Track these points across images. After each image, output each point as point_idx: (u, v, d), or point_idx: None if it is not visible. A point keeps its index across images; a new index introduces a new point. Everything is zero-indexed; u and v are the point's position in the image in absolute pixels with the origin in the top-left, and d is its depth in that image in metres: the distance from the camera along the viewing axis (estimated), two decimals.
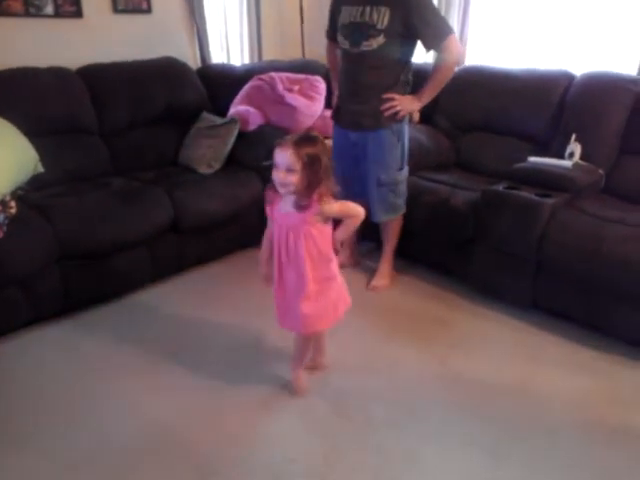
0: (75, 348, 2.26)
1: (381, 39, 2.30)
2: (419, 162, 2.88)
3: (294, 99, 3.26)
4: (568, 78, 2.89)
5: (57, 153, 2.74)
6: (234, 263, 3.00)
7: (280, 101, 3.26)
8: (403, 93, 2.47)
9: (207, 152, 3.05)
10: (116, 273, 2.52)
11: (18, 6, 2.84)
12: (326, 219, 1.79)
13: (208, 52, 3.65)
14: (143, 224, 2.55)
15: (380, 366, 2.18)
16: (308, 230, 1.76)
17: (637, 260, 2.08)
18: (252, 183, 2.98)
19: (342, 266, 2.87)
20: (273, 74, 3.38)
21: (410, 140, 2.62)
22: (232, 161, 3.08)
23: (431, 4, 2.34)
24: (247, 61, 3.92)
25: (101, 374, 2.12)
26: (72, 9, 3.04)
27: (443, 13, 3.34)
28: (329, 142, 3.06)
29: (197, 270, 2.90)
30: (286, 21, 4.08)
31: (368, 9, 2.31)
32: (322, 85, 3.45)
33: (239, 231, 2.98)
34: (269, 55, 3.96)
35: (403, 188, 2.65)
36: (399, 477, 1.67)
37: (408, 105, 2.47)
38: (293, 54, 4.01)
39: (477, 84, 3.15)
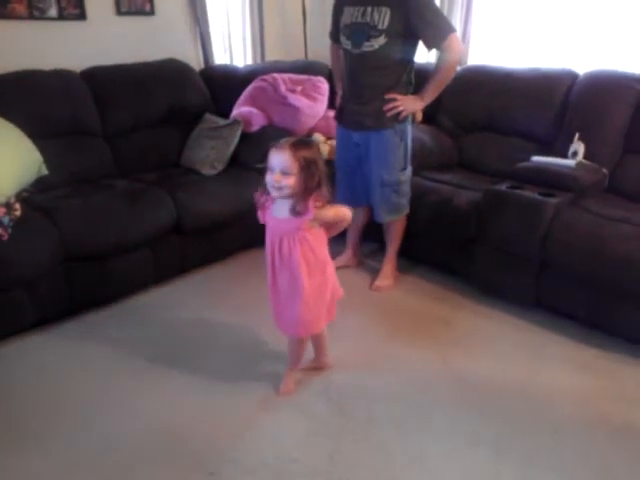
0: (78, 349, 2.27)
1: (382, 39, 2.30)
2: (422, 162, 2.88)
3: (297, 100, 3.26)
4: (571, 77, 2.88)
5: (61, 155, 2.75)
6: (237, 264, 3.00)
7: (283, 102, 3.26)
8: (405, 93, 2.47)
9: (210, 153, 3.05)
10: (119, 274, 2.53)
11: (22, 9, 2.86)
12: (321, 224, 1.79)
13: (211, 53, 3.66)
14: (146, 225, 2.56)
15: (383, 365, 2.19)
16: (303, 235, 1.75)
17: None
18: (255, 184, 2.97)
19: (346, 266, 2.90)
20: (276, 75, 3.38)
21: (413, 140, 2.62)
22: (235, 162, 3.08)
23: (431, 3, 2.33)
24: (250, 62, 3.92)
25: (102, 375, 2.13)
26: (76, 12, 3.05)
27: (446, 12, 3.34)
28: (332, 143, 3.07)
29: (200, 271, 2.90)
30: (288, 22, 4.08)
31: (369, 9, 2.31)
32: (325, 86, 3.44)
33: (242, 232, 2.97)
34: (272, 56, 3.97)
35: (406, 188, 2.64)
36: (402, 476, 1.67)
37: (410, 105, 2.46)
38: (296, 55, 4.01)
39: (480, 84, 3.15)
